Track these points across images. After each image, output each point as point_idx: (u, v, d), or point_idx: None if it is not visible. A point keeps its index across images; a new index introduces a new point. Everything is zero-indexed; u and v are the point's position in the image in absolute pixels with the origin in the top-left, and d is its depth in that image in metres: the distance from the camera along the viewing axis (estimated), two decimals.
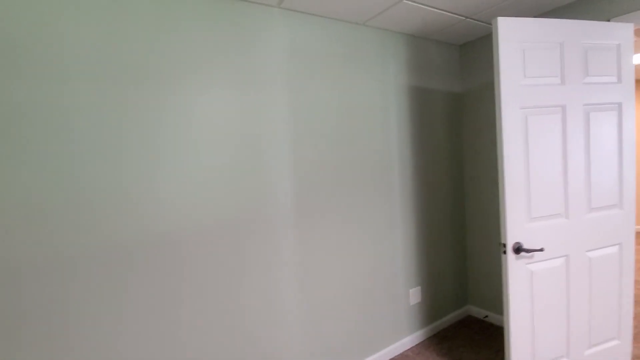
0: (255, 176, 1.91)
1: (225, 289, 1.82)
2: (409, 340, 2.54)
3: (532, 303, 1.79)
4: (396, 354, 2.47)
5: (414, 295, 2.57)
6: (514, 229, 1.74)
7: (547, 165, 1.77)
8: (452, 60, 2.80)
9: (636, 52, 3.45)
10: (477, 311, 2.90)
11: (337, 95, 2.19)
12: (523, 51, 1.71)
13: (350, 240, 2.27)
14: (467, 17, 2.30)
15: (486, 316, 2.81)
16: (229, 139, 1.83)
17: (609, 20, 2.03)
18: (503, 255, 1.76)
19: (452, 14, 2.23)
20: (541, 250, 1.71)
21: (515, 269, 1.75)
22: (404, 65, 2.49)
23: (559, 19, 1.85)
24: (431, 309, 2.69)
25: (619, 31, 1.84)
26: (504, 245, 1.75)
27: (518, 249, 1.73)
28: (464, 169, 2.91)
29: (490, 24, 2.43)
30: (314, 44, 2.09)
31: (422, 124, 2.61)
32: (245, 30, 1.87)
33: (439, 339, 2.62)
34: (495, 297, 2.76)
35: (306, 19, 2.06)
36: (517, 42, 1.70)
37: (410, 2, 2.01)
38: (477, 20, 2.36)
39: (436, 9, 2.13)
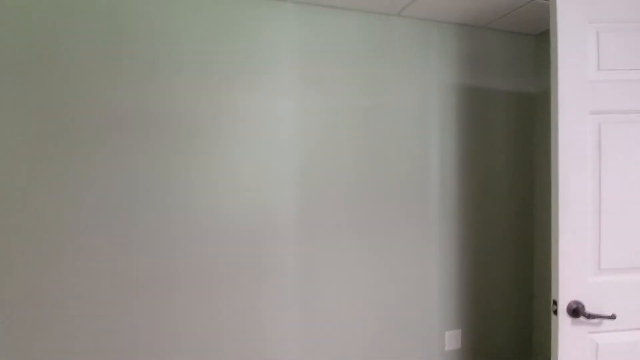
0: (263, 184, 1.76)
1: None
2: None
3: None
4: None
5: (452, 340, 2.12)
6: (572, 283, 1.24)
7: (633, 196, 1.23)
8: (523, 53, 2.25)
9: None
10: None
11: (361, 97, 1.91)
12: (597, 34, 1.21)
13: (368, 265, 1.95)
14: None
15: None
16: (249, 144, 1.71)
17: None
18: (553, 317, 1.28)
19: None
20: (612, 317, 1.19)
21: (571, 338, 1.25)
22: (452, 60, 2.07)
23: None
24: (476, 359, 2.19)
25: None
26: (555, 303, 1.27)
27: (576, 311, 1.23)
28: (534, 192, 2.31)
29: None
30: (333, 41, 1.85)
31: (476, 133, 2.14)
32: (250, 29, 1.72)
33: None
34: None
35: (323, 13, 1.83)
36: (587, 21, 1.21)
37: None
38: None
39: None
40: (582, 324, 1.24)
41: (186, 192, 1.66)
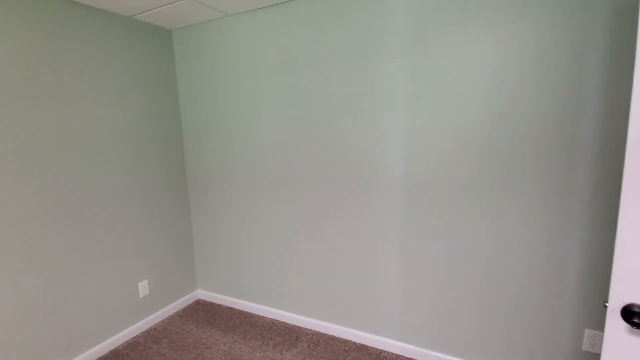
0: (374, 140, 2.10)
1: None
2: None
3: None
4: None
5: (592, 341, 1.69)
6: (635, 284, 0.91)
7: None
8: None
9: None
10: None
11: (481, 51, 1.76)
12: None
13: (464, 230, 1.89)
14: None
15: None
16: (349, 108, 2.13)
17: None
18: (607, 322, 0.98)
19: None
20: None
21: (623, 346, 0.94)
22: None
23: None
24: None
25: None
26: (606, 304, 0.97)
27: (639, 317, 0.91)
28: None
29: None
30: None
31: None
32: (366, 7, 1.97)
33: None
34: None
35: None
36: None
37: None
38: None
39: None
40: None
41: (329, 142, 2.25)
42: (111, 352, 2.38)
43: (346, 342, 2.42)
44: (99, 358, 2.32)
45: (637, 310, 0.91)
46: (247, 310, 2.88)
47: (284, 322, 2.69)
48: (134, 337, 2.55)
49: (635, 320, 0.89)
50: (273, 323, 2.69)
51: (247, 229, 2.73)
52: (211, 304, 3.04)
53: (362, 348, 2.35)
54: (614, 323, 0.95)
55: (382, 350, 2.32)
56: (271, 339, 2.48)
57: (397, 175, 2.06)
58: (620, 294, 0.94)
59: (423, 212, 2.02)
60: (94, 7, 2.21)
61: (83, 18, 2.14)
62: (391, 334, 2.28)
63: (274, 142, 2.46)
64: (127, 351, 2.39)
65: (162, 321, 2.77)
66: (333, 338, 2.47)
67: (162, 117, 2.70)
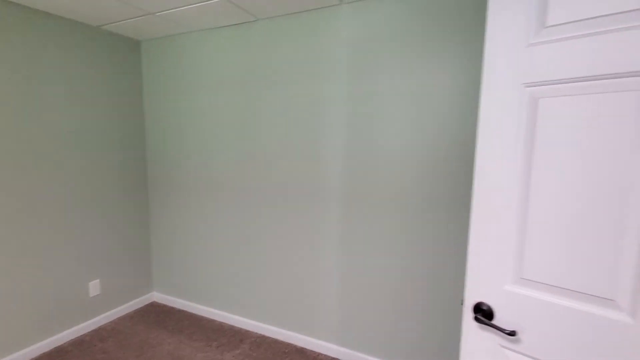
0: (317, 156, 2.27)
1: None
2: None
3: None
4: None
5: None
6: (484, 284, 1.09)
7: (574, 193, 0.91)
8: None
9: None
10: None
11: (407, 80, 1.96)
12: None
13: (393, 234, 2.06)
14: None
15: None
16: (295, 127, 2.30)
17: None
18: (463, 318, 1.16)
19: None
20: (511, 334, 1.00)
21: (477, 342, 1.11)
22: None
23: None
24: None
25: None
26: (462, 301, 1.14)
27: (483, 313, 1.08)
28: None
29: None
30: (381, 29, 1.99)
31: None
32: (310, 37, 2.17)
33: None
34: None
35: (374, 4, 1.99)
36: None
37: None
38: None
39: None
40: (492, 332, 1.08)
41: (269, 155, 2.40)
42: (56, 348, 2.43)
43: (288, 345, 2.53)
44: (43, 354, 2.36)
45: (485, 308, 1.08)
46: (198, 313, 2.96)
47: (232, 325, 2.79)
48: (80, 335, 2.60)
49: (478, 316, 1.07)
50: (221, 325, 2.78)
51: (202, 234, 2.84)
52: (165, 306, 3.11)
53: (301, 351, 2.46)
54: (468, 319, 1.12)
55: (319, 353, 2.44)
56: (215, 340, 2.57)
57: (336, 188, 2.23)
58: (472, 294, 1.11)
59: (359, 222, 2.19)
60: (61, 17, 2.34)
61: (50, 27, 2.26)
62: (329, 338, 2.41)
63: (230, 152, 2.60)
64: (71, 348, 2.43)
65: (112, 321, 2.82)
66: (276, 341, 2.58)
67: (126, 125, 2.81)
